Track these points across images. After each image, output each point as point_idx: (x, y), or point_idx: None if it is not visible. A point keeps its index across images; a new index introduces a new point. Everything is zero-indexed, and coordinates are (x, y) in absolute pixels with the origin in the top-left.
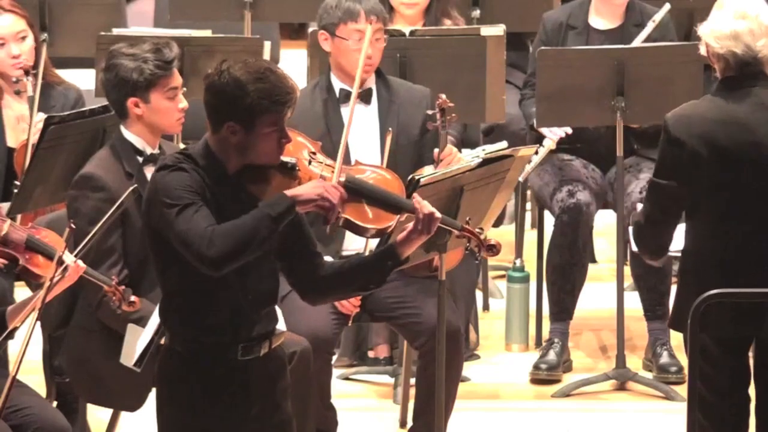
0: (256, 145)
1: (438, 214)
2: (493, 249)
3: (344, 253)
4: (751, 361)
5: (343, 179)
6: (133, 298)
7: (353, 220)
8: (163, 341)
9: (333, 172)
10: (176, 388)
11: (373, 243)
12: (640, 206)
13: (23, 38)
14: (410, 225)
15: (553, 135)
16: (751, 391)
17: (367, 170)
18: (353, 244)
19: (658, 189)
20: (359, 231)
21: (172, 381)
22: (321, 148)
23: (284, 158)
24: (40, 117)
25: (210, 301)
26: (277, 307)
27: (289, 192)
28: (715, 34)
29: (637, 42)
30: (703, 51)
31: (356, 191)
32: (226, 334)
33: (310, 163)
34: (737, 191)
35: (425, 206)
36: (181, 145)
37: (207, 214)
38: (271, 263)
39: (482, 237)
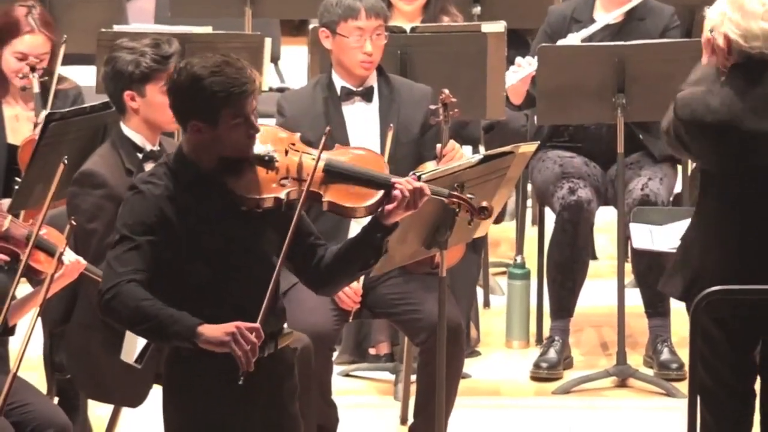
0: (223, 140)
1: (427, 189)
2: (485, 211)
3: None
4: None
5: (322, 164)
6: None
7: (338, 202)
8: None
9: (313, 159)
10: (181, 387)
11: None
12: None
13: (42, 60)
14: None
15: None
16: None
17: (349, 152)
18: None
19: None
20: (346, 212)
21: (177, 381)
22: (300, 138)
23: (260, 151)
24: (45, 113)
25: (211, 300)
26: None
27: (201, 327)
28: (744, 32)
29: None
30: (707, 35)
31: (336, 173)
32: None
33: (286, 153)
34: (747, 174)
35: (410, 182)
36: None
37: (136, 257)
38: (272, 261)
39: (471, 201)
